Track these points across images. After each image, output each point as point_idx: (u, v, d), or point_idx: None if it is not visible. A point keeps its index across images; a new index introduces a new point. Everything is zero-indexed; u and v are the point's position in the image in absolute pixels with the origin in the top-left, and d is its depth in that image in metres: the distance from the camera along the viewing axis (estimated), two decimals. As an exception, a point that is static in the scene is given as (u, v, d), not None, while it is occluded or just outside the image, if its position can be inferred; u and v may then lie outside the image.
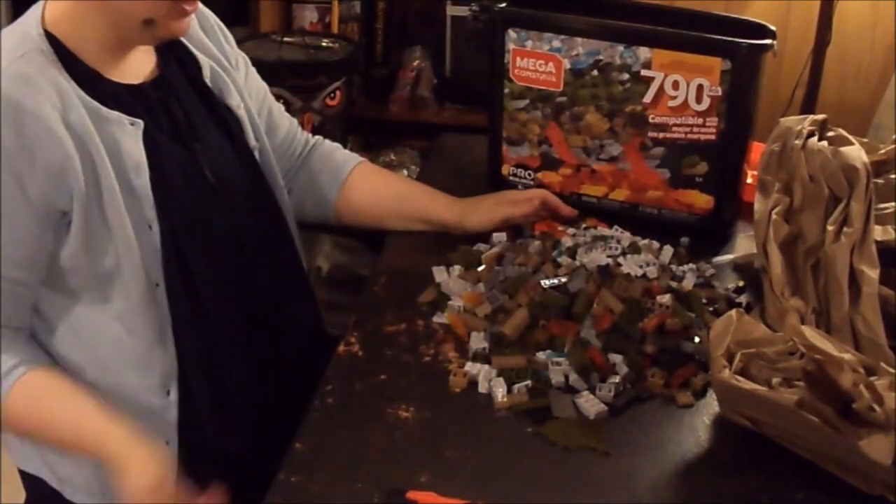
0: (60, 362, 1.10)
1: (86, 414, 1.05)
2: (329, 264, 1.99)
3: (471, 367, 1.11)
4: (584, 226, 1.38)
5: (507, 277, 1.23)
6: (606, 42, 1.36)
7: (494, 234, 1.36)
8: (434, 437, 1.02)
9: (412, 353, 1.16)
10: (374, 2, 2.91)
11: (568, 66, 1.39)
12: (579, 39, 1.37)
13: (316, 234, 1.96)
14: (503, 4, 1.44)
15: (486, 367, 1.11)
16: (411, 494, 0.93)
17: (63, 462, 1.13)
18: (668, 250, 1.33)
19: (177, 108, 1.15)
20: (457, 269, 1.28)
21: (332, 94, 2.56)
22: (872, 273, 1.05)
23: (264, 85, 1.36)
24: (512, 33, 1.41)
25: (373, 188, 1.39)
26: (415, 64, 2.97)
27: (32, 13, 1.08)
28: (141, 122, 1.08)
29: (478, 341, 1.15)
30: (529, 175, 1.49)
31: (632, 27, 1.36)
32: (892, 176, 1.20)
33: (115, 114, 1.07)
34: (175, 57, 1.18)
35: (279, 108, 1.38)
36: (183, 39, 1.19)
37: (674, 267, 1.30)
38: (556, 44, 1.38)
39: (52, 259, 1.05)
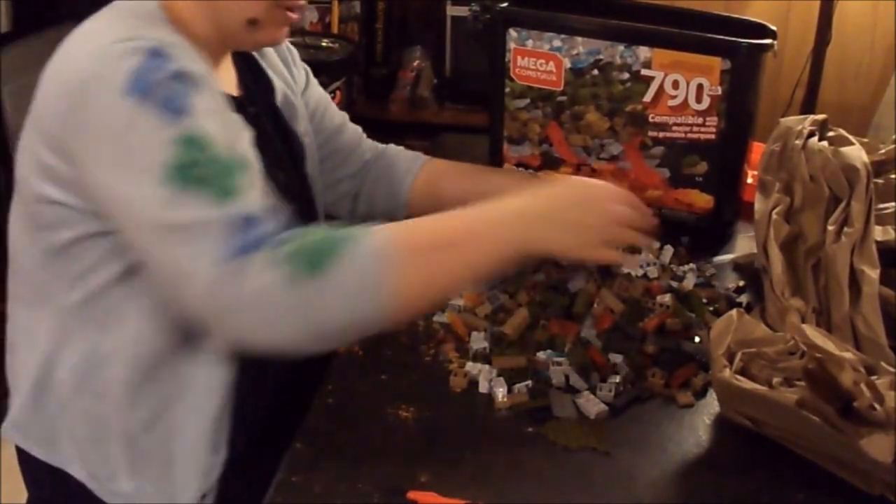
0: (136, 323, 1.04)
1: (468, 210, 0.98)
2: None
3: (471, 367, 1.11)
4: (584, 225, 1.38)
5: (507, 277, 1.23)
6: (607, 41, 1.36)
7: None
8: (434, 437, 1.02)
9: (412, 352, 1.16)
10: (374, 2, 2.92)
11: (568, 66, 1.39)
12: (579, 39, 1.37)
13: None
14: (505, 4, 1.45)
15: (487, 366, 1.11)
16: (411, 494, 0.93)
17: (99, 458, 1.09)
18: (668, 250, 1.33)
19: (260, 126, 1.14)
20: (457, 268, 1.28)
21: (332, 94, 2.56)
22: (873, 273, 1.05)
23: (326, 95, 1.37)
24: (513, 32, 1.41)
25: (448, 181, 1.39)
26: (415, 64, 2.97)
27: (143, 2, 1.03)
28: (250, 130, 1.05)
29: (478, 341, 1.15)
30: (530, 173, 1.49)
31: (631, 27, 1.36)
32: (893, 176, 1.20)
33: (236, 115, 1.05)
34: (251, 77, 1.18)
35: (343, 115, 1.39)
36: (260, 61, 1.20)
37: (674, 267, 1.30)
38: (557, 43, 1.38)
39: None
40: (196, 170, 0.90)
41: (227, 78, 1.14)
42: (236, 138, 0.97)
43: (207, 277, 0.88)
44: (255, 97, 1.18)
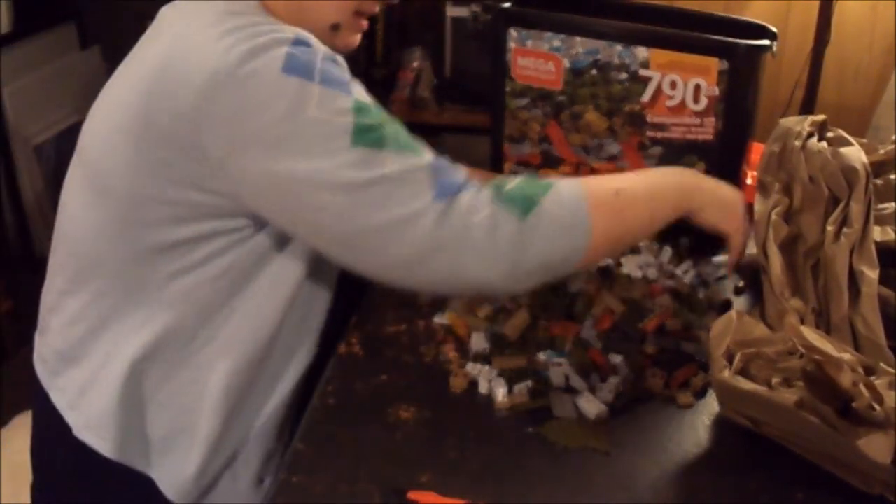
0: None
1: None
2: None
3: (471, 368, 1.11)
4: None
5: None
6: (605, 41, 1.36)
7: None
8: (434, 438, 1.02)
9: (413, 353, 1.16)
10: (374, 2, 2.92)
11: (567, 66, 1.39)
12: (578, 39, 1.37)
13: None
14: (507, 4, 1.45)
15: (487, 367, 1.11)
16: (412, 494, 0.93)
17: (173, 450, 1.08)
18: (667, 250, 1.33)
19: None
20: (457, 269, 1.28)
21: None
22: (872, 273, 1.05)
23: None
24: (513, 32, 1.41)
25: None
26: (415, 64, 2.97)
27: (245, 2, 1.02)
28: None
29: (478, 342, 1.15)
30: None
31: (628, 27, 1.36)
32: (892, 176, 1.20)
33: None
34: None
35: None
36: None
37: (673, 267, 1.30)
38: (556, 43, 1.39)
39: None
40: (375, 132, 0.93)
41: None
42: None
43: (435, 211, 0.92)
44: None
